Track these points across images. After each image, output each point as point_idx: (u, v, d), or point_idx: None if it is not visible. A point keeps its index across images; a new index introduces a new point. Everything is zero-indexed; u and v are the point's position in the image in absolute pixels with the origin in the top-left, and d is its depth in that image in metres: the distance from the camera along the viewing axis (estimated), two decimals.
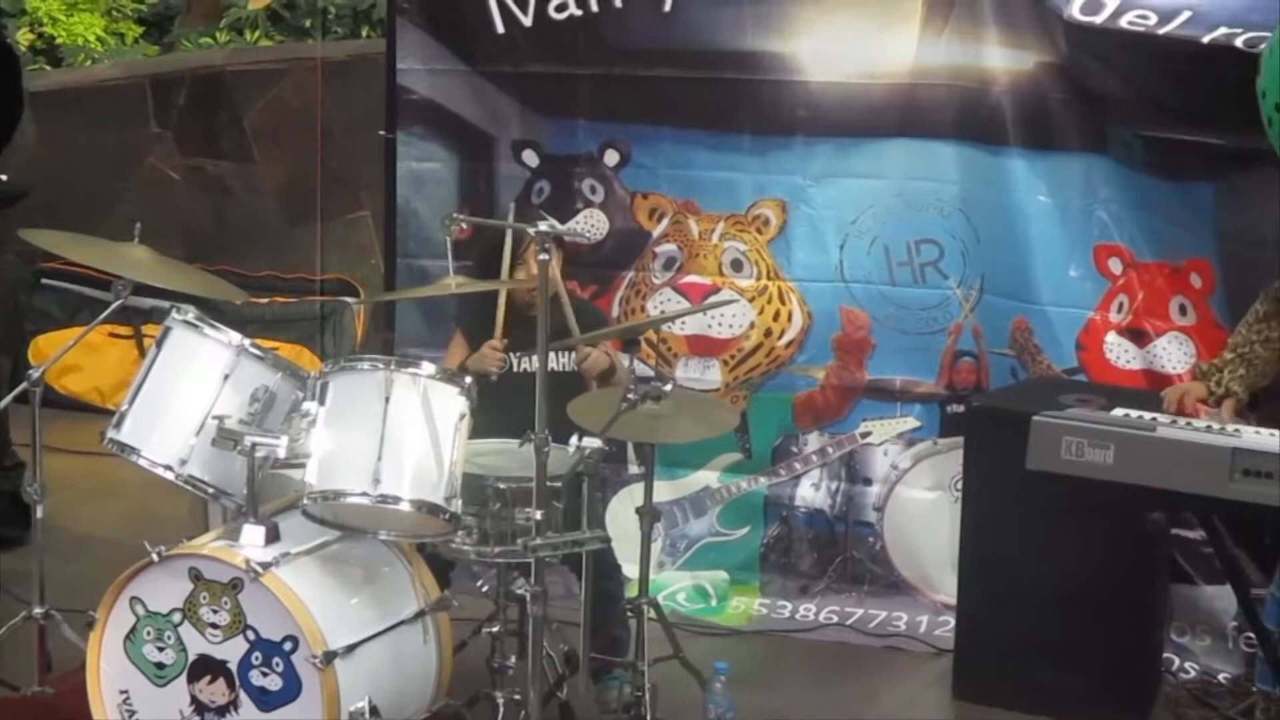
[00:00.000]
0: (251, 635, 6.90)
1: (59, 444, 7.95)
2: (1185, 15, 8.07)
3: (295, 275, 10.65)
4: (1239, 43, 7.77)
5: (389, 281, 9.09)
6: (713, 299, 8.85)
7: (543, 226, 7.05)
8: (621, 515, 8.00)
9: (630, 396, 7.18)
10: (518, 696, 7.18)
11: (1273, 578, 7.28)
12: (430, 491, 6.95)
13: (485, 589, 7.56)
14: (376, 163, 9.14)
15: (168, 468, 7.23)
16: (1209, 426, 6.72)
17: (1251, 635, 7.40)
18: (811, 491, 8.93)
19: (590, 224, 8.49)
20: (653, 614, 7.77)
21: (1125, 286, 8.46)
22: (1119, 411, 7.01)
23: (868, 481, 8.89)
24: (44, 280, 9.69)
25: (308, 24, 12.17)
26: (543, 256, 6.82)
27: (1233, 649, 8.10)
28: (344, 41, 11.97)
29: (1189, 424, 6.83)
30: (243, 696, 6.98)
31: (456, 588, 7.57)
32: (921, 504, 8.79)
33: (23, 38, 10.67)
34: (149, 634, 7.03)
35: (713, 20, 8.66)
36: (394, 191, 9.09)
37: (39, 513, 7.74)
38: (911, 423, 8.82)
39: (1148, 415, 6.93)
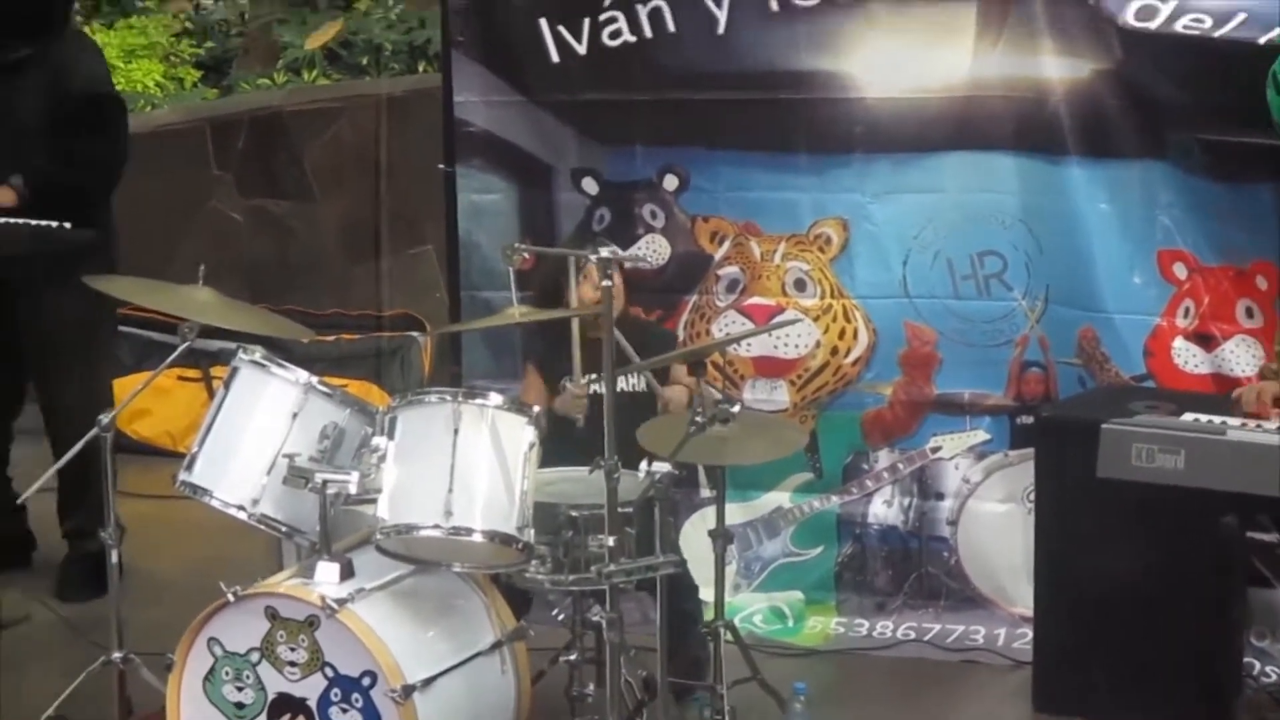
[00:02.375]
0: (330, 672, 6.93)
1: (131, 488, 7.97)
2: (1240, 17, 8.08)
3: (360, 312, 10.67)
4: None
5: (454, 314, 9.09)
6: (777, 320, 8.84)
7: (604, 253, 7.06)
8: (695, 539, 7.99)
9: (699, 420, 7.19)
10: None
11: None
12: (502, 522, 6.95)
13: (561, 618, 7.53)
14: (437, 196, 9.15)
15: (240, 508, 7.26)
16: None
17: None
18: (884, 508, 8.91)
19: (652, 249, 8.49)
20: (729, 636, 7.77)
21: (1190, 291, 8.43)
22: (1188, 416, 6.99)
23: (940, 496, 8.86)
24: (119, 327, 9.69)
25: (364, 61, 12.20)
26: (606, 283, 6.83)
27: (1271, 647, 8.06)
28: (401, 77, 12.00)
29: (1259, 426, 6.81)
30: None
31: (533, 617, 7.57)
32: (994, 517, 8.75)
33: None
34: (228, 674, 7.06)
35: (766, 41, 8.66)
36: (455, 224, 9.10)
37: (114, 557, 7.75)
38: (981, 436, 8.80)
39: (1217, 419, 6.91)
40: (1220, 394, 7.79)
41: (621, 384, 7.51)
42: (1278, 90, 7.11)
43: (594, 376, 7.37)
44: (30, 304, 8.88)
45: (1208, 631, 8.01)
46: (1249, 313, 8.34)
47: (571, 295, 7.38)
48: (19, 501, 8.80)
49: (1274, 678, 8.14)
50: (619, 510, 6.99)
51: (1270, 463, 6.66)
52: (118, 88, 11.61)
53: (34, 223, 8.48)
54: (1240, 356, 8.23)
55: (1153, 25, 8.23)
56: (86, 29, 11.89)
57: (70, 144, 8.78)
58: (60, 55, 9.00)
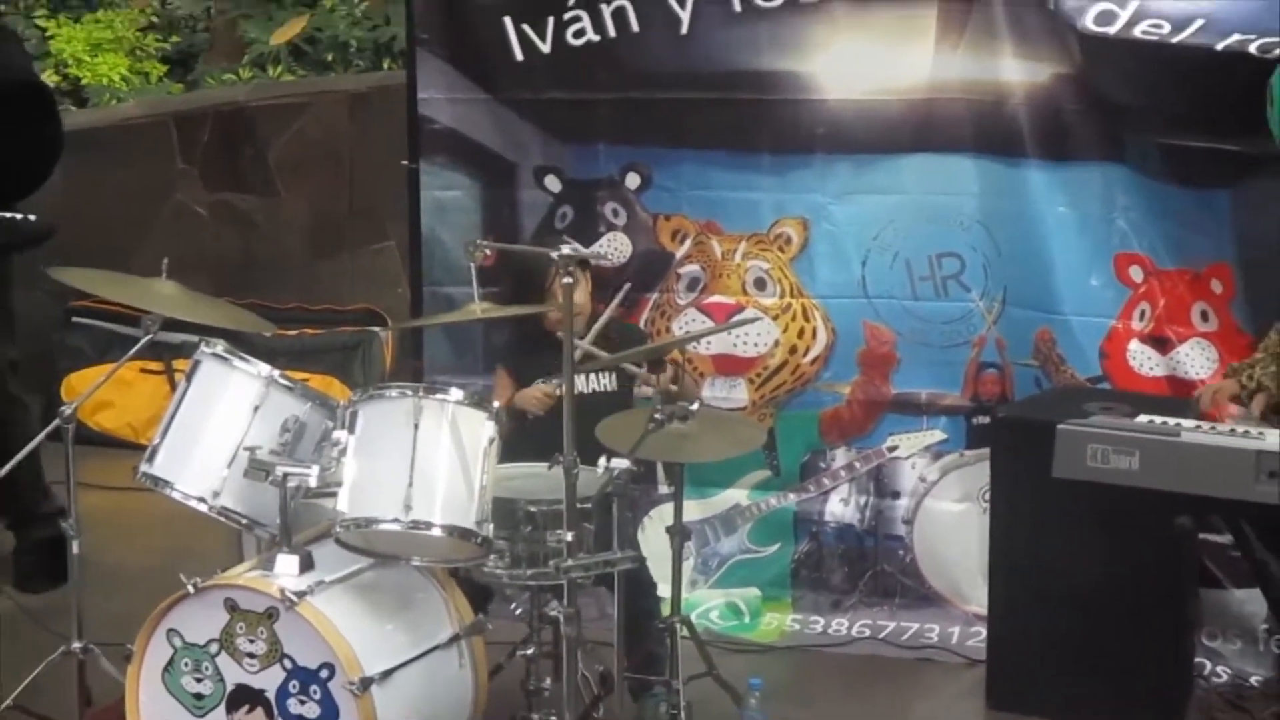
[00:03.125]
0: (288, 664, 6.95)
1: (93, 480, 7.99)
2: (1198, 23, 8.10)
3: (322, 306, 10.67)
4: (1252, 49, 7.80)
5: (415, 309, 9.11)
6: (737, 318, 8.87)
7: (566, 250, 7.08)
8: (653, 535, 8.04)
9: (657, 417, 7.22)
10: (554, 718, 7.19)
11: None
12: (461, 516, 6.98)
13: (519, 612, 7.57)
14: (400, 193, 9.16)
15: (201, 500, 7.28)
16: (1233, 430, 6.74)
17: None
18: (840, 506, 8.94)
19: (614, 247, 8.51)
20: (686, 632, 7.78)
21: (1147, 294, 8.47)
22: (1143, 418, 7.03)
23: (896, 495, 8.89)
24: (74, 318, 9.72)
25: (329, 58, 12.20)
26: (566, 280, 6.86)
27: (1264, 651, 8.10)
28: (365, 74, 12.01)
29: (1213, 428, 6.85)
30: (278, 717, 7.02)
31: (491, 612, 7.59)
32: (950, 516, 8.79)
33: (48, 79, 10.69)
34: (187, 665, 7.08)
35: (729, 41, 8.69)
36: (418, 220, 9.11)
37: (75, 548, 7.75)
38: (938, 435, 8.83)
39: (1172, 421, 6.95)
40: (1175, 396, 7.83)
41: (587, 383, 7.55)
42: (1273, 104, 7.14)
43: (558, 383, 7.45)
44: None
45: (1160, 631, 8.05)
46: (1204, 316, 8.38)
47: (557, 293, 7.40)
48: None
49: (1225, 678, 8.18)
50: (577, 506, 7.02)
51: (1223, 465, 6.69)
52: (84, 81, 11.64)
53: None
54: (1195, 359, 8.26)
55: (1112, 30, 8.25)
56: (53, 22, 11.91)
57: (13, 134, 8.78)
58: None
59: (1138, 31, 8.22)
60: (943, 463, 8.83)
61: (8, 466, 8.32)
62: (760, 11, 8.64)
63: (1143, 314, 8.48)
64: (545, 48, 8.84)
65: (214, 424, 7.35)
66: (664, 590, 7.83)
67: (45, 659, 7.72)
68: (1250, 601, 8.01)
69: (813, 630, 8.84)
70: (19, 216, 8.54)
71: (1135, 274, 8.47)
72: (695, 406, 7.64)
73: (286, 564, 7.05)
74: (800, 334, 8.85)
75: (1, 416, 8.29)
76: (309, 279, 11.06)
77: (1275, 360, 7.08)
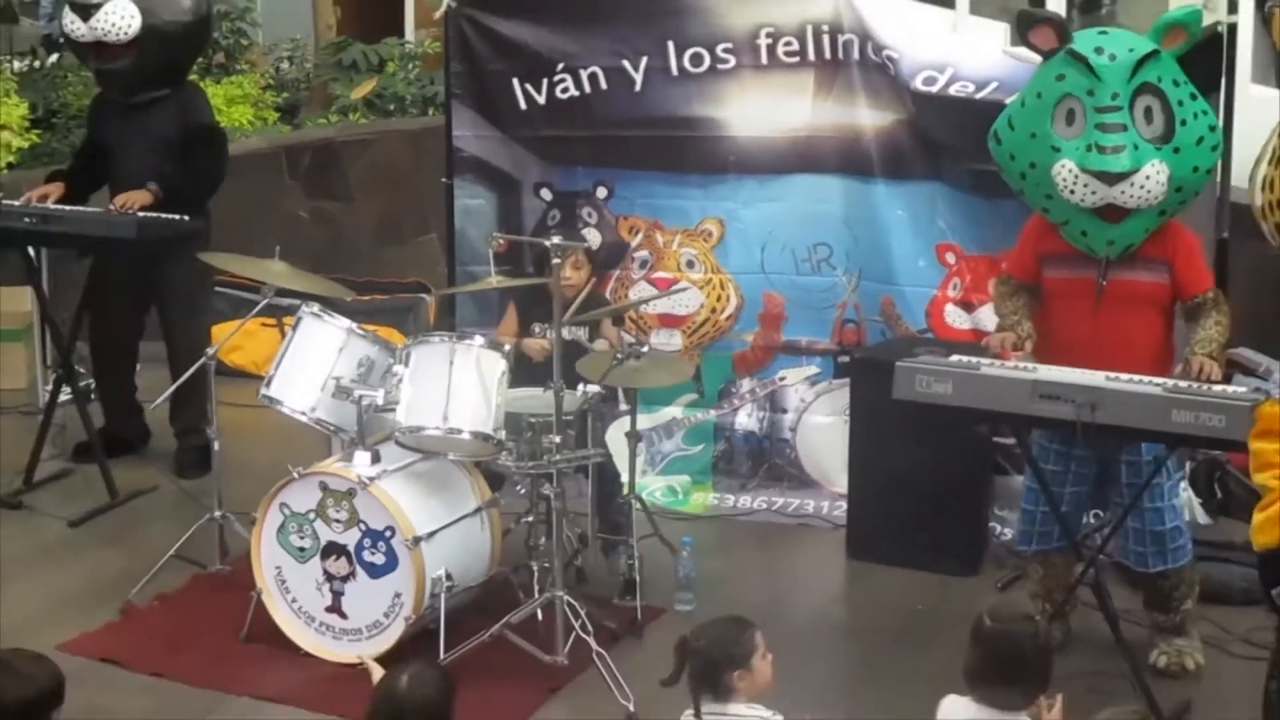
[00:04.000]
0: (363, 527, 7.00)
1: (229, 400, 7.99)
2: (994, 85, 8.15)
3: (387, 280, 10.60)
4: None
5: (450, 281, 9.07)
6: (674, 288, 8.84)
7: (556, 240, 7.10)
8: (615, 439, 7.99)
9: (619, 357, 7.31)
10: (547, 565, 7.21)
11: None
12: (483, 425, 7.02)
13: (522, 492, 7.52)
14: (440, 201, 9.12)
15: (302, 413, 7.34)
16: (1015, 366, 6.73)
17: (1049, 506, 7.38)
18: (746, 419, 8.91)
19: (592, 238, 8.45)
20: (639, 506, 7.84)
21: (958, 272, 8.49)
22: (954, 357, 6.99)
23: (784, 411, 8.87)
24: (217, 288, 9.65)
25: (391, 108, 12.15)
26: (555, 260, 6.98)
27: (1006, 520, 8.20)
28: (417, 119, 11.95)
29: (1002, 365, 6.84)
30: (358, 569, 7.03)
31: (503, 492, 7.60)
32: (822, 426, 8.77)
33: None
34: (293, 528, 7.12)
35: (668, 96, 8.66)
36: (452, 220, 9.07)
37: (216, 447, 7.82)
38: (814, 370, 8.81)
39: (974, 359, 6.92)
40: (976, 343, 7.81)
41: (570, 334, 7.55)
42: (997, 142, 7.11)
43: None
44: (154, 271, 8.85)
45: (966, 504, 8.19)
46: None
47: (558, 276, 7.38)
48: (152, 407, 8.84)
49: (1008, 535, 8.18)
50: (563, 418, 7.07)
51: (1009, 389, 6.68)
52: (220, 124, 11.58)
53: (164, 216, 8.50)
54: (990, 317, 8.18)
55: (934, 89, 8.26)
56: (201, 82, 11.86)
57: (187, 161, 8.75)
58: (181, 98, 8.97)
59: (952, 90, 8.24)
60: (817, 389, 8.80)
61: (168, 391, 8.42)
62: (690, 75, 8.62)
63: (955, 286, 8.49)
64: (541, 100, 8.79)
65: (311, 360, 7.35)
66: (624, 477, 7.83)
67: (195, 523, 7.78)
68: (1013, 488, 8.02)
69: (727, 505, 8.84)
70: (181, 218, 8.52)
71: (950, 258, 8.48)
72: (645, 349, 7.73)
73: (361, 458, 7.08)
74: (718, 299, 8.83)
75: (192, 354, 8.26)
76: (377, 261, 11.02)
77: (1029, 317, 7.06)
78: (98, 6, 8.52)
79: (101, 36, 8.63)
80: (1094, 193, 6.70)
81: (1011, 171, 7.09)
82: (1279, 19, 5.52)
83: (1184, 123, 6.68)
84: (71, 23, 8.79)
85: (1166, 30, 6.78)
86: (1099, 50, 6.73)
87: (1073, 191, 6.73)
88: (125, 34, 8.55)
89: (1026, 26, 7.04)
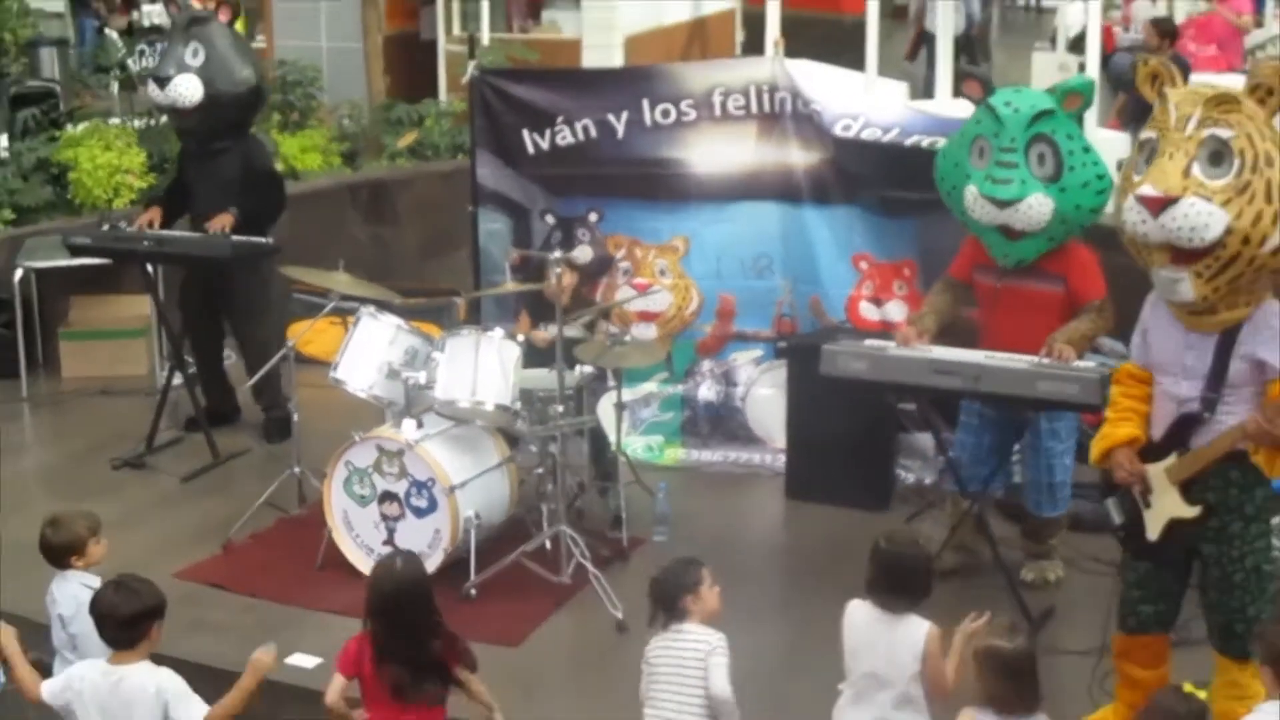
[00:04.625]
0: (410, 478, 7.04)
1: (305, 382, 7.95)
2: (896, 130, 8.14)
3: (428, 286, 10.51)
4: (924, 144, 7.85)
5: (475, 287, 9.00)
6: (651, 291, 8.79)
7: (557, 255, 7.10)
8: (605, 408, 7.99)
9: (608, 344, 7.32)
10: (553, 506, 7.23)
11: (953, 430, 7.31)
12: (503, 398, 7.05)
13: (534, 450, 7.49)
14: (468, 225, 9.07)
15: (362, 391, 7.36)
16: (917, 349, 6.74)
17: (943, 458, 7.39)
18: (706, 392, 8.84)
19: (583, 253, 8.35)
20: (625, 460, 7.87)
21: (870, 276, 8.44)
22: (868, 342, 7.00)
23: (735, 385, 8.82)
24: (294, 294, 9.63)
25: (429, 153, 12.08)
26: (558, 270, 7.10)
27: (930, 466, 8.16)
28: (449, 161, 11.85)
29: (906, 348, 6.84)
30: (407, 512, 7.06)
31: (520, 450, 7.56)
32: (765, 396, 8.71)
33: (279, 166, 10.59)
34: (355, 480, 7.16)
35: (644, 141, 8.60)
36: (477, 240, 9.02)
37: (295, 418, 7.83)
38: (758, 353, 8.75)
39: (883, 343, 6.92)
40: (886, 332, 7.79)
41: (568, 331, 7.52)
42: (937, 168, 7.12)
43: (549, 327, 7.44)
44: (232, 281, 8.83)
45: (878, 456, 8.19)
46: (900, 287, 8.38)
47: (551, 281, 7.36)
48: (246, 386, 8.87)
49: (910, 481, 8.22)
50: (565, 392, 7.06)
51: (912, 366, 6.69)
52: (297, 167, 11.54)
53: (250, 239, 8.49)
54: (895, 312, 8.25)
55: (850, 134, 8.22)
56: (280, 134, 11.83)
57: (252, 197, 8.73)
58: (244, 148, 8.93)
59: (863, 134, 8.20)
60: (761, 368, 8.74)
61: (254, 379, 8.49)
62: (660, 125, 8.57)
63: (867, 287, 8.44)
64: (545, 146, 8.73)
65: (368, 350, 7.37)
66: (612, 437, 7.82)
67: (279, 477, 7.80)
68: (925, 440, 8.03)
69: (692, 459, 8.79)
70: (265, 240, 8.54)
71: (863, 265, 8.43)
72: (628, 338, 7.76)
73: (409, 425, 7.09)
74: (684, 299, 8.77)
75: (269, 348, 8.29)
76: (419, 272, 10.95)
77: (934, 313, 7.07)
78: (169, 79, 8.59)
79: (173, 102, 8.70)
80: (989, 213, 6.75)
81: (943, 191, 7.11)
82: (1144, 71, 5.47)
83: (1071, 169, 6.70)
84: (153, 91, 8.91)
85: (1066, 95, 6.85)
86: (1008, 104, 6.79)
87: (974, 210, 6.81)
88: (191, 101, 8.60)
89: (961, 80, 7.13)
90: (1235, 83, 5.67)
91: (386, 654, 5.02)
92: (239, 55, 8.86)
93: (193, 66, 8.61)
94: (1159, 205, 5.06)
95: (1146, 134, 5.31)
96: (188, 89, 8.58)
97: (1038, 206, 6.65)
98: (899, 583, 5.01)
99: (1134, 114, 10.89)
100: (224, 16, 8.87)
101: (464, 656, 5.14)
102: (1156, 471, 5.42)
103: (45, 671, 5.22)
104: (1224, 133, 5.08)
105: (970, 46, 16.09)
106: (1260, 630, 4.86)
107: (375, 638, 5.06)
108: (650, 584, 5.18)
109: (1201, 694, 5.16)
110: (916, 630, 4.96)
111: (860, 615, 5.08)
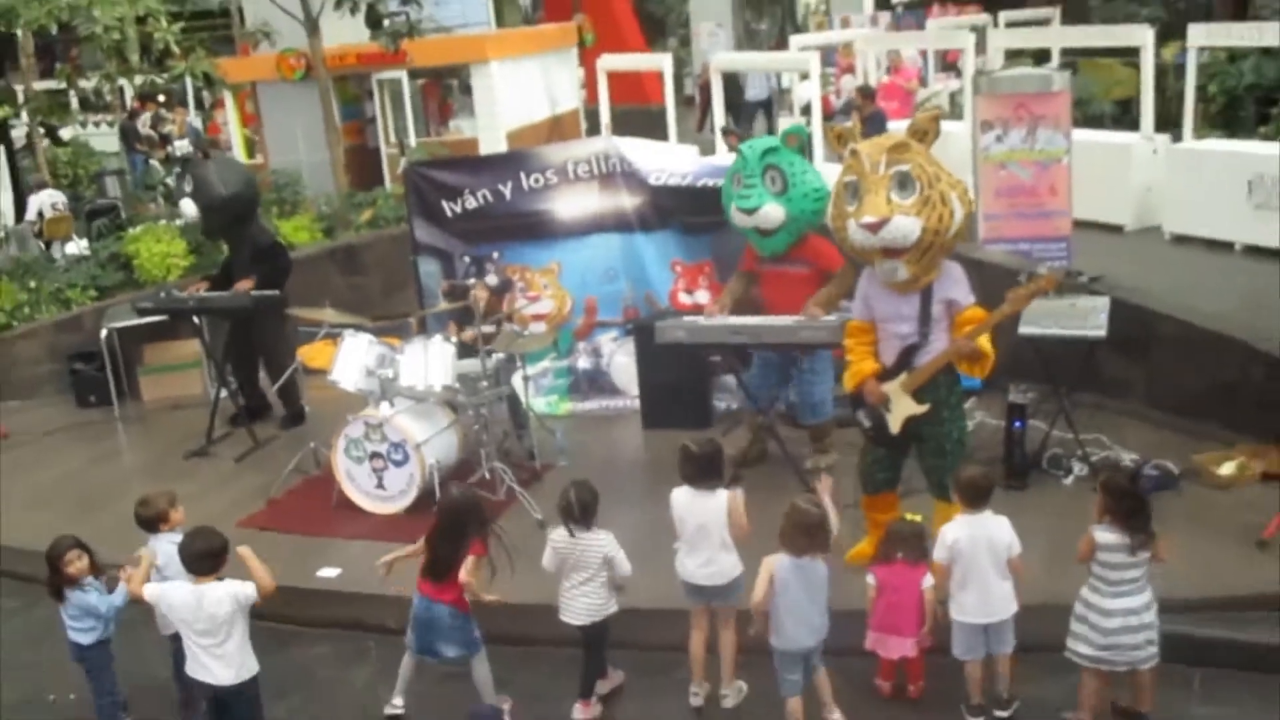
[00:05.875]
0: (389, 441, 6.98)
1: (313, 386, 7.87)
2: (690, 177, 8.22)
3: (389, 313, 10.23)
4: (710, 184, 7.88)
5: (420, 309, 8.82)
6: (539, 301, 8.75)
7: (473, 282, 7.10)
8: (517, 381, 7.89)
9: (515, 336, 7.23)
10: (488, 450, 7.22)
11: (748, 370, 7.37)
12: (446, 381, 7.02)
13: (471, 414, 7.44)
14: (411, 269, 8.98)
15: (352, 387, 7.25)
16: (718, 319, 6.80)
17: (742, 390, 7.42)
18: (584, 363, 8.81)
19: (492, 279, 8.20)
20: (533, 414, 7.81)
21: (683, 275, 8.48)
22: (686, 318, 7.07)
23: (602, 356, 8.79)
24: (301, 327, 9.47)
25: (381, 223, 11.91)
26: (475, 292, 7.14)
27: (735, 396, 8.12)
28: (396, 227, 11.69)
29: (710, 320, 6.90)
30: (389, 464, 7.02)
31: (460, 414, 7.50)
32: (623, 363, 8.65)
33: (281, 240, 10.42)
34: (352, 447, 7.08)
35: (524, 200, 8.53)
36: (419, 278, 8.89)
37: (305, 409, 7.76)
38: (615, 334, 8.72)
39: (695, 318, 7.00)
40: (696, 311, 7.84)
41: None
42: (724, 204, 7.16)
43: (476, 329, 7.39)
44: (255, 323, 8.72)
45: (700, 393, 8.18)
46: (703, 281, 8.40)
47: (477, 300, 7.35)
48: (272, 391, 8.76)
49: (723, 407, 8.26)
50: (487, 373, 7.03)
51: (714, 331, 6.75)
52: (292, 241, 11.33)
53: (264, 293, 8.40)
54: (702, 298, 8.25)
55: (660, 182, 8.29)
56: (278, 219, 11.60)
57: (263, 265, 8.62)
58: (250, 231, 8.82)
59: (669, 182, 8.27)
60: (618, 344, 8.71)
61: (276, 385, 8.31)
62: (535, 188, 8.55)
63: (681, 283, 8.48)
64: (459, 209, 8.65)
65: (353, 359, 7.26)
66: (523, 400, 7.79)
67: (300, 451, 7.70)
68: (729, 380, 8.03)
69: (581, 409, 8.73)
70: (275, 292, 8.46)
71: (678, 268, 8.46)
72: (526, 332, 7.73)
73: (384, 407, 7.03)
74: (562, 303, 8.72)
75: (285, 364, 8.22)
76: (383, 304, 10.71)
77: (730, 297, 7.15)
78: (180, 198, 8.74)
79: (186, 211, 8.80)
80: (741, 219, 6.89)
81: (726, 213, 7.12)
82: (833, 134, 5.60)
83: (794, 185, 6.84)
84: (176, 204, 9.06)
85: (786, 135, 7.02)
86: (750, 147, 6.96)
87: (735, 219, 6.97)
88: (190, 216, 8.90)
89: (724, 137, 7.24)
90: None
91: (442, 550, 5.01)
92: (217, 180, 8.68)
93: (186, 193, 8.68)
94: (877, 227, 5.22)
95: (848, 177, 5.41)
96: (186, 209, 8.65)
97: (772, 212, 6.79)
98: (704, 469, 5.07)
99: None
100: (201, 156, 9.06)
101: (483, 549, 5.07)
102: (893, 387, 5.57)
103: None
104: (904, 167, 5.24)
105: (770, 109, 16.52)
106: (955, 474, 5.03)
107: (437, 540, 5.02)
108: (573, 499, 5.01)
109: (918, 517, 5.32)
110: (720, 498, 5.05)
111: (681, 497, 5.13)
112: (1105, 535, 4.59)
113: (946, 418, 5.58)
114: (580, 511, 5.00)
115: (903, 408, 5.56)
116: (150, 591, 4.87)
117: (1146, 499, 4.64)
